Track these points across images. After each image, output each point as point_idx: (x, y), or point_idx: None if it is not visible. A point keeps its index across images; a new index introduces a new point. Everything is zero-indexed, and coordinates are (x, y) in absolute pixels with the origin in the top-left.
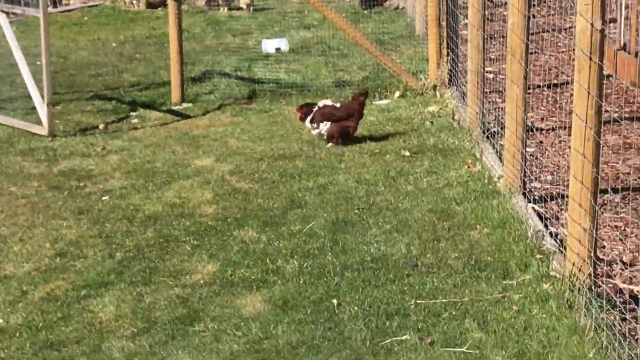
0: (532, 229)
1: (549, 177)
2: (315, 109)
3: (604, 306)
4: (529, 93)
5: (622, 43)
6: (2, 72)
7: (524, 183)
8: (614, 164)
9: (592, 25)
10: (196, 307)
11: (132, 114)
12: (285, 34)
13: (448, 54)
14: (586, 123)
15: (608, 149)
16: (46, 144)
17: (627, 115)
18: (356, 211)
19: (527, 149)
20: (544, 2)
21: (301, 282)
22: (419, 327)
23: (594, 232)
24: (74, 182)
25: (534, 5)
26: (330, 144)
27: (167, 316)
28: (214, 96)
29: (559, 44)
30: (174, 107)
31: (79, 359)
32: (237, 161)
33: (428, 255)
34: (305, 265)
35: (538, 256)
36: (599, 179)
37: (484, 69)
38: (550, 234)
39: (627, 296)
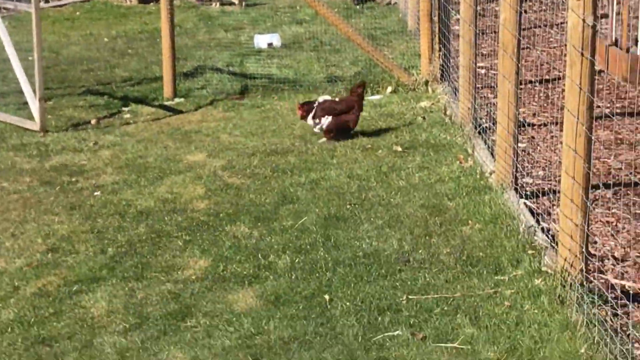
0: (523, 224)
1: (541, 173)
2: (316, 104)
3: (596, 302)
4: (521, 88)
5: (613, 38)
6: None
7: (516, 178)
8: (606, 160)
9: (583, 21)
10: (188, 303)
11: (124, 109)
12: (277, 29)
13: (440, 50)
14: (578, 118)
15: (600, 145)
16: (38, 139)
17: (618, 110)
18: (348, 206)
19: (519, 145)
20: None
21: (293, 277)
22: (411, 322)
23: (586, 227)
24: (66, 177)
25: (525, 0)
26: (323, 139)
27: (159, 312)
28: (206, 91)
29: (551, 39)
30: (166, 103)
31: (70, 355)
32: (229, 156)
33: (420, 251)
34: (297, 260)
35: (530, 252)
36: (591, 175)
37: (475, 64)
38: (542, 229)
39: (618, 292)
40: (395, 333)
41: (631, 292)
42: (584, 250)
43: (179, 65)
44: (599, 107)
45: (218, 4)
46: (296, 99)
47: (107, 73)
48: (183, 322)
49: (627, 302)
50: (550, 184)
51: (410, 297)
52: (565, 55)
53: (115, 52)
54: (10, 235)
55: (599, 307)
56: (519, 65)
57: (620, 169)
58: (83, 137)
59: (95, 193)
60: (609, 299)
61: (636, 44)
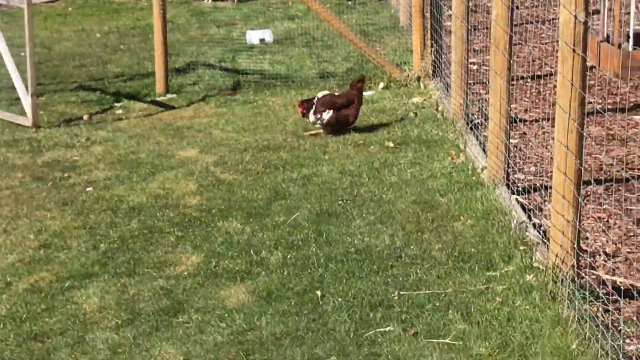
0: (515, 220)
1: (533, 169)
2: (315, 100)
3: (587, 297)
4: (513, 84)
5: (605, 34)
6: None
7: (508, 174)
8: (597, 156)
9: (575, 17)
10: (180, 299)
11: (116, 104)
12: (269, 25)
13: (432, 45)
14: (569, 115)
15: (591, 141)
16: (30, 135)
17: (610, 106)
18: (340, 202)
19: (511, 141)
20: None
21: (285, 273)
22: (403, 318)
23: (577, 223)
24: (58, 173)
25: None
26: (329, 134)
27: (151, 307)
28: (198, 87)
29: (543, 35)
30: (158, 98)
31: (62, 350)
32: (221, 152)
33: (412, 247)
34: (289, 256)
35: (521, 247)
36: (582, 171)
37: (467, 60)
38: (534, 225)
39: (610, 287)
40: (387, 329)
41: (622, 288)
42: (575, 246)
43: (171, 61)
44: (590, 103)
45: (210, 0)
46: (288, 94)
47: (99, 69)
48: (175, 318)
49: (618, 298)
50: (542, 180)
51: (402, 293)
52: (556, 51)
53: (107, 48)
54: (3, 231)
55: (591, 303)
56: (511, 61)
57: (612, 165)
58: (75, 133)
59: (88, 189)
60: (600, 294)
61: (628, 40)
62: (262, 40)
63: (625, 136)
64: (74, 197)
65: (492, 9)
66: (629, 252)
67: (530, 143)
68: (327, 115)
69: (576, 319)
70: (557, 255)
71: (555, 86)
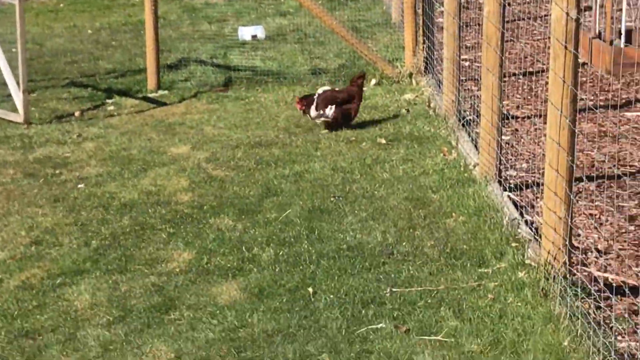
0: (507, 217)
1: (525, 165)
2: (316, 96)
3: (579, 294)
4: (505, 81)
5: (597, 31)
6: None
7: (500, 171)
8: (589, 152)
9: (567, 14)
10: (172, 296)
11: (107, 101)
12: (261, 21)
13: (424, 42)
14: (561, 111)
15: (583, 137)
16: (22, 132)
17: (602, 103)
18: (332, 199)
19: (503, 137)
20: None
21: (277, 270)
22: (395, 315)
23: (569, 220)
24: (50, 169)
25: None
26: (325, 131)
27: (143, 304)
28: (190, 83)
29: (535, 31)
30: (149, 95)
31: (54, 348)
32: (213, 149)
33: (404, 244)
34: (281, 253)
35: (513, 244)
36: (574, 167)
37: (459, 56)
38: (526, 222)
39: (601, 284)
40: (379, 326)
41: (614, 284)
42: (567, 242)
43: (163, 58)
44: (582, 99)
45: None
46: (280, 91)
47: (90, 65)
48: (167, 314)
49: (610, 295)
50: (534, 177)
51: (394, 289)
52: (548, 48)
53: (99, 44)
54: None
55: (582, 300)
56: (503, 57)
57: (604, 161)
58: (67, 130)
59: (79, 185)
60: (592, 291)
61: (619, 37)
62: (254, 37)
63: (617, 133)
64: (65, 193)
65: (484, 6)
66: (620, 249)
67: (522, 140)
68: (330, 111)
69: (568, 315)
70: (549, 252)
71: (547, 83)
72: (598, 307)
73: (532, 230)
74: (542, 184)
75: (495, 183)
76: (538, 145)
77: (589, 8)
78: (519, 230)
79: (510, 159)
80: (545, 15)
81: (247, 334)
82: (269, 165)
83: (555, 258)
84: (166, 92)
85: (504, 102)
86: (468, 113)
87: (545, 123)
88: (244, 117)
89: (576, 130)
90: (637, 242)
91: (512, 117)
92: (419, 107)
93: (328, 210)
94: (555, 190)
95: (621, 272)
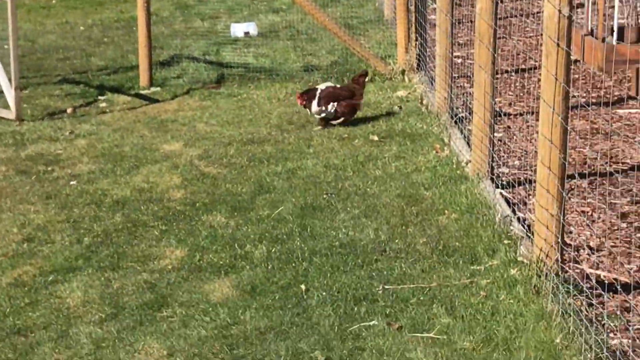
0: (499, 214)
1: (517, 162)
2: (318, 92)
3: (571, 291)
4: (497, 78)
5: (589, 28)
6: None
7: (492, 168)
8: (581, 149)
9: (559, 11)
10: (164, 293)
11: (100, 98)
12: (254, 18)
13: (416, 39)
14: (554, 109)
15: (575, 134)
16: (14, 128)
17: (594, 100)
18: (325, 196)
19: (495, 134)
20: None
21: (269, 267)
22: (387, 312)
23: (561, 217)
24: (42, 166)
25: None
26: (318, 127)
27: (135, 301)
28: (182, 80)
29: (527, 29)
30: (142, 91)
31: (46, 345)
32: (206, 146)
33: (396, 241)
34: (273, 250)
35: (506, 241)
36: (567, 165)
37: (452, 53)
38: (518, 219)
39: (593, 281)
40: (371, 323)
41: (606, 281)
42: (559, 240)
43: (155, 54)
44: (574, 96)
45: None
46: (272, 88)
47: (83, 62)
48: (159, 312)
49: (602, 292)
50: (526, 174)
51: (386, 287)
52: (541, 44)
53: (91, 41)
54: None
55: (574, 297)
56: (495, 54)
57: (596, 158)
58: (59, 126)
59: (71, 182)
60: (584, 288)
61: (612, 34)
62: (246, 34)
63: (610, 130)
64: (57, 190)
65: (477, 3)
66: (612, 246)
67: (514, 137)
68: (332, 107)
69: (560, 313)
70: (541, 249)
71: (539, 80)
72: (590, 305)
73: (524, 228)
74: (535, 181)
75: (488, 180)
76: (530, 142)
77: (581, 5)
78: (511, 228)
79: (503, 156)
80: (537, 13)
81: (239, 331)
82: (261, 162)
83: (547, 255)
84: (158, 89)
85: (496, 99)
86: (460, 110)
87: (537, 120)
88: (236, 114)
89: (568, 128)
90: (629, 239)
91: (505, 114)
92: (412, 104)
93: (320, 207)
94: (547, 187)
95: (613, 269)
